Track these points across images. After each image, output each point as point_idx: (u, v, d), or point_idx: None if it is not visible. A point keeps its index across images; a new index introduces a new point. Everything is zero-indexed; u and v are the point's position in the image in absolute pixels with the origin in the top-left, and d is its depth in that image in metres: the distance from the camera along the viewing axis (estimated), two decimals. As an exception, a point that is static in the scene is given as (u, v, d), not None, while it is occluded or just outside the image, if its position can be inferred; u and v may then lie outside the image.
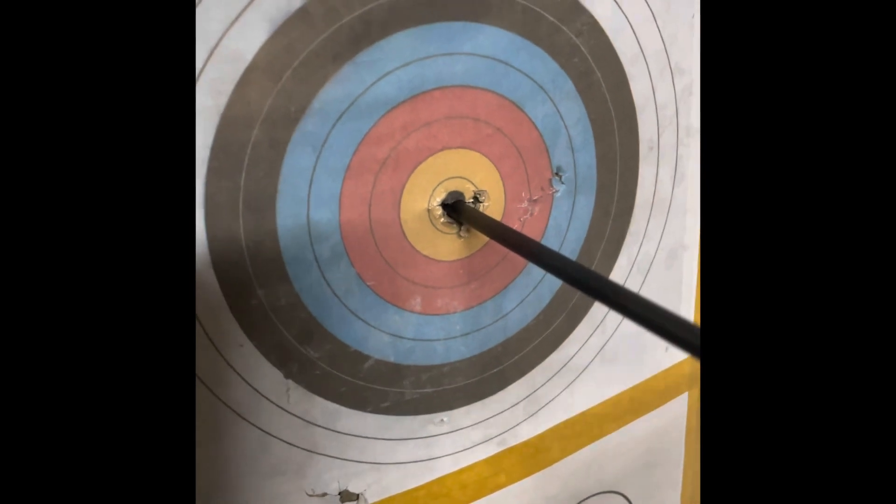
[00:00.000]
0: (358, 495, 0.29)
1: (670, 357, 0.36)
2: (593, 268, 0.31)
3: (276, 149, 0.23)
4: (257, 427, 0.26)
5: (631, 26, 0.28)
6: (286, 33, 0.22)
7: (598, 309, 0.32)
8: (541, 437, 0.33)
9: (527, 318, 0.30)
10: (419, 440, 0.29)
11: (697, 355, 0.17)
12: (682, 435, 0.39)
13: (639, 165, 0.30)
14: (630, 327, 0.33)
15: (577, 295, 0.31)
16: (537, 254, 0.23)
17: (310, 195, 0.24)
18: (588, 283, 0.21)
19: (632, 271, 0.32)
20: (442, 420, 0.30)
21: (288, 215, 0.24)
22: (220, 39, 0.21)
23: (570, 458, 0.34)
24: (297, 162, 0.23)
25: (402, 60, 0.24)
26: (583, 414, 0.34)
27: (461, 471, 0.31)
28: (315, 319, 0.25)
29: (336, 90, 0.23)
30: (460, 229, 0.27)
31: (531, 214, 0.28)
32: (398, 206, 0.25)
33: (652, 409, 0.36)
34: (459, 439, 0.30)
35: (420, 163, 0.25)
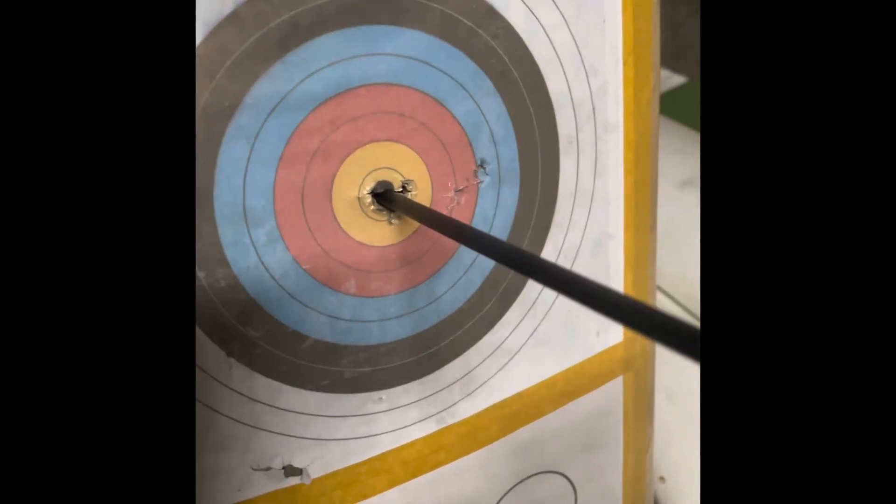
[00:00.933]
0: (301, 470, 0.30)
1: (602, 341, 0.38)
2: (521, 254, 0.33)
3: (211, 141, 0.25)
4: (202, 403, 0.27)
5: (544, 30, 0.30)
6: (219, 35, 0.24)
7: (529, 293, 0.34)
8: (478, 416, 0.35)
9: (459, 301, 0.32)
10: (359, 417, 0.31)
11: (631, 327, 0.18)
12: (619, 418, 0.41)
13: (559, 158, 0.33)
14: (561, 311, 0.36)
15: (508, 279, 0.33)
16: (466, 234, 0.25)
17: (245, 184, 0.26)
18: (516, 259, 0.22)
19: (559, 259, 0.35)
20: (381, 398, 0.31)
21: (225, 203, 0.26)
22: (158, 41, 0.23)
23: (509, 437, 0.36)
24: (231, 153, 0.25)
25: (329, 60, 0.26)
26: (519, 395, 0.36)
27: (401, 448, 0.33)
28: (254, 301, 0.27)
29: (267, 87, 0.25)
30: (391, 217, 0.29)
31: (458, 203, 0.31)
32: (330, 194, 0.28)
33: (588, 392, 0.38)
34: (398, 417, 0.32)
35: (349, 154, 0.27)
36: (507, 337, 0.34)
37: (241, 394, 0.28)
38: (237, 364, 0.28)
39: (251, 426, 0.29)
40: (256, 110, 0.25)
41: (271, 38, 0.25)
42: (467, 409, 0.34)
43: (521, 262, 0.22)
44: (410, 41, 0.27)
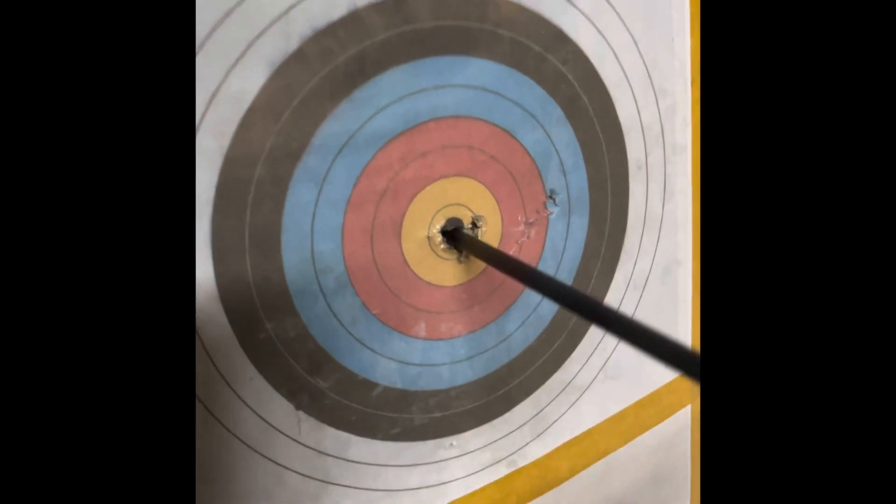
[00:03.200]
0: (372, 524, 0.29)
1: (671, 370, 0.36)
2: (591, 286, 0.32)
3: (278, 185, 0.23)
4: (271, 460, 0.26)
5: (614, 52, 0.29)
6: (284, 74, 0.23)
7: (597, 328, 0.33)
8: (549, 457, 0.33)
9: (529, 339, 0.30)
10: (430, 465, 0.30)
11: (692, 377, 0.18)
12: (687, 447, 0.39)
13: (629, 184, 0.31)
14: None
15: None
16: (532, 278, 0.24)
17: (313, 229, 0.24)
18: (581, 306, 0.21)
19: (629, 287, 0.33)
20: (451, 444, 0.30)
21: (293, 249, 0.24)
22: (222, 82, 0.22)
23: (578, 476, 0.34)
24: (299, 197, 0.24)
25: (396, 95, 0.25)
26: (589, 431, 0.34)
27: (472, 494, 0.31)
28: (323, 350, 0.26)
29: (334, 126, 0.24)
30: (460, 255, 0.28)
31: (528, 237, 0.29)
32: (399, 234, 0.26)
33: (657, 423, 0.37)
34: (469, 462, 0.31)
35: (418, 192, 0.26)
36: (578, 373, 0.33)
37: (311, 447, 0.27)
38: (306, 417, 0.26)
39: (321, 480, 0.27)
40: (324, 151, 0.24)
41: (337, 75, 0.24)
42: (538, 451, 0.33)
43: (586, 309, 0.21)
44: (479, 71, 0.26)
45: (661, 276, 0.34)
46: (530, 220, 0.29)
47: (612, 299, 0.32)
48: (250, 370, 0.25)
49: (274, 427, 0.26)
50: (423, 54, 0.25)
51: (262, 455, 0.26)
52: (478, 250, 0.27)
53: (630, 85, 0.30)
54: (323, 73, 0.23)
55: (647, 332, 0.19)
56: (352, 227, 0.25)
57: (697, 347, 0.36)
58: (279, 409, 0.26)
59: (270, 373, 0.25)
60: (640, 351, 0.20)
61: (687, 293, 0.35)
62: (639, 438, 0.36)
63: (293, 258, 0.24)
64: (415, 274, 0.27)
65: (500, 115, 0.27)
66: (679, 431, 0.38)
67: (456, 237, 0.27)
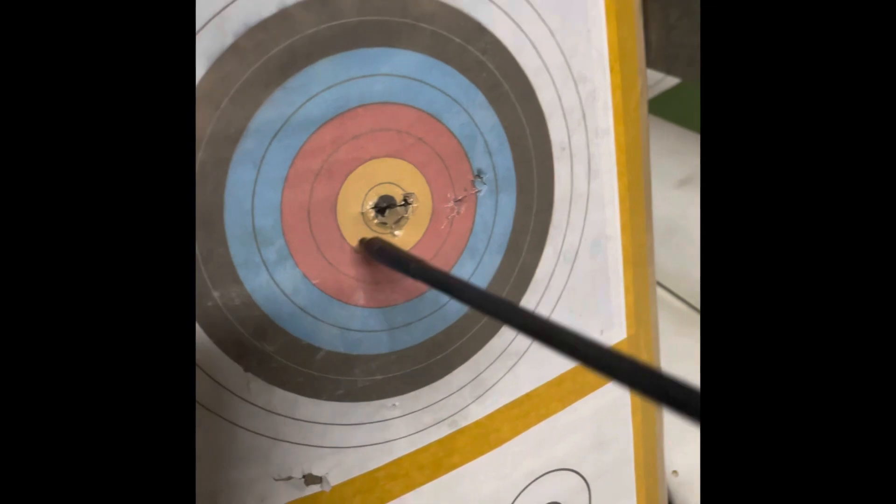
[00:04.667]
0: (321, 478, 0.32)
1: (606, 338, 0.39)
2: (521, 258, 0.34)
3: (219, 166, 0.26)
4: (223, 418, 0.29)
5: (531, 43, 0.31)
6: (221, 67, 0.25)
7: (531, 298, 0.35)
8: (490, 418, 0.36)
9: (464, 308, 0.33)
10: (375, 424, 0.32)
11: (606, 376, 0.18)
12: (628, 414, 0.42)
13: (554, 164, 0.34)
14: (563, 312, 0.37)
15: (510, 285, 0.34)
16: (445, 286, 0.25)
17: (253, 206, 0.27)
18: (497, 311, 0.23)
19: (559, 261, 0.36)
20: (394, 405, 0.33)
21: (235, 224, 0.27)
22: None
23: (520, 437, 0.37)
24: (239, 177, 0.27)
25: (327, 83, 0.27)
26: (528, 395, 0.37)
27: (417, 452, 0.34)
28: (268, 317, 0.29)
29: (269, 112, 0.27)
30: (393, 229, 0.30)
31: (458, 213, 0.32)
32: (335, 211, 0.29)
33: (595, 389, 0.39)
34: (412, 422, 0.33)
35: (351, 172, 0.29)
36: (513, 339, 0.35)
37: (260, 407, 0.29)
38: (254, 378, 0.29)
39: (271, 438, 0.30)
40: (261, 135, 0.27)
41: (271, 66, 0.26)
42: (478, 412, 0.35)
43: (502, 312, 0.22)
44: (404, 61, 0.29)
45: (591, 249, 0.36)
46: (459, 198, 0.32)
47: (543, 271, 0.35)
48: (201, 335, 0.27)
49: (224, 387, 0.28)
50: (350, 46, 0.28)
51: (215, 413, 0.28)
52: (395, 261, 0.28)
53: (549, 73, 0.32)
54: (257, 64, 0.26)
55: (564, 332, 0.19)
56: (290, 203, 0.28)
57: (626, 326, 0.39)
58: (228, 370, 0.28)
59: (218, 337, 0.28)
60: (560, 353, 0.20)
61: (618, 266, 0.38)
62: (578, 403, 0.39)
63: (236, 233, 0.27)
64: (351, 247, 0.30)
65: (425, 101, 0.30)
66: (618, 398, 0.41)
67: (379, 249, 0.29)
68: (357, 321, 0.31)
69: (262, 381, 0.29)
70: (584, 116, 0.34)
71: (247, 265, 0.28)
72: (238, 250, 0.27)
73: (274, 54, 0.26)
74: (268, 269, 0.28)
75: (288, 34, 0.26)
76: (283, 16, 0.26)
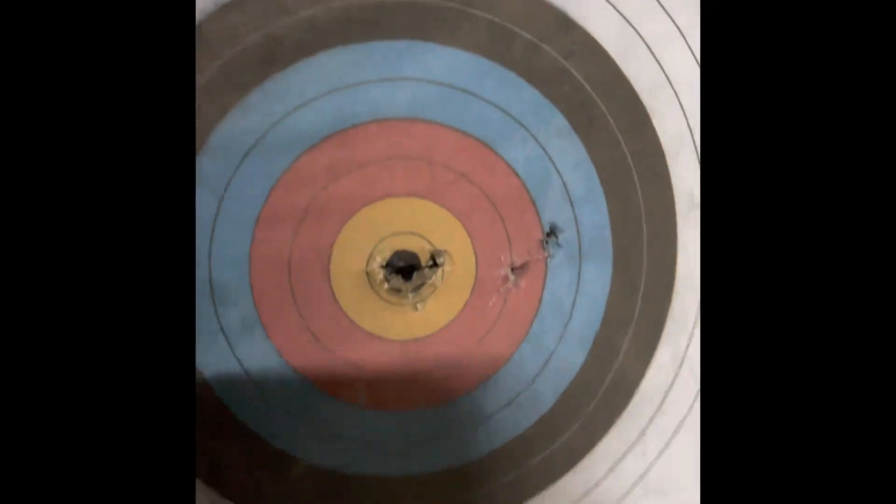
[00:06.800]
0: None
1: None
2: (618, 362, 0.23)
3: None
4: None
5: (646, 43, 0.21)
6: (176, 57, 0.18)
7: (632, 421, 0.24)
8: None
9: (520, 426, 0.23)
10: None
11: None
12: None
13: (677, 227, 0.23)
14: (682, 446, 0.24)
15: (600, 395, 0.23)
16: None
17: (211, 251, 0.20)
18: None
19: (681, 370, 0.24)
20: (406, 554, 0.23)
21: (184, 273, 0.19)
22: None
23: None
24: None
25: (326, 86, 0.20)
26: (623, 566, 0.25)
27: None
28: (223, 404, 0.21)
29: (240, 122, 0.19)
30: (415, 299, 0.21)
31: (515, 286, 0.22)
32: (327, 267, 0.20)
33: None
34: (434, 583, 0.23)
35: (354, 213, 0.20)
36: (602, 479, 0.24)
37: (212, 533, 0.21)
38: (206, 489, 0.21)
39: (222, 576, 0.21)
40: (226, 154, 0.19)
41: (247, 59, 0.19)
42: (540, 581, 0.24)
43: None
44: (444, 61, 0.20)
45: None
46: (518, 264, 0.22)
47: (654, 384, 0.24)
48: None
49: None
50: (366, 37, 0.20)
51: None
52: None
53: (674, 90, 0.22)
54: (226, 56, 0.19)
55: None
56: (262, 253, 0.20)
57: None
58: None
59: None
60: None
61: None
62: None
63: (185, 285, 0.19)
64: (350, 319, 0.21)
65: (473, 121, 0.21)
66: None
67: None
68: (354, 428, 0.21)
69: (216, 496, 0.21)
70: (729, 158, 0.23)
71: (199, 333, 0.20)
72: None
73: (251, 44, 0.19)
74: (227, 340, 0.20)
75: (272, 16, 0.19)
76: (265, -11, 0.19)
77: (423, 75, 0.20)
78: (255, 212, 0.20)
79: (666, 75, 0.22)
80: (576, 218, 0.22)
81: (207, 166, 0.19)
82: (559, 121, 0.21)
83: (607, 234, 0.22)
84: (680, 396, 0.24)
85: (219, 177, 0.19)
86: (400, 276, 0.21)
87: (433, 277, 0.21)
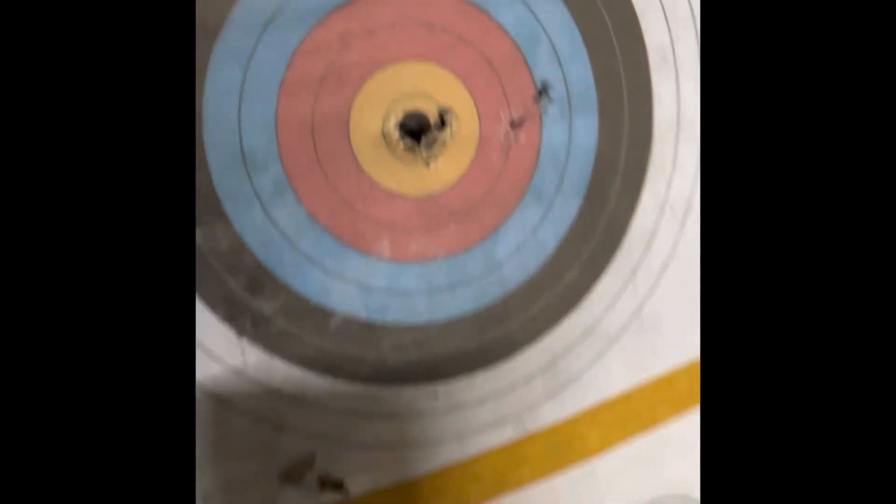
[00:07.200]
0: (341, 483, 0.25)
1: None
2: (611, 207, 0.26)
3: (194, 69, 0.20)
4: (213, 394, 0.23)
5: None
6: (193, -64, 0.20)
7: (625, 260, 0.27)
8: (572, 423, 0.27)
9: (528, 270, 0.25)
10: (411, 418, 0.25)
11: None
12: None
13: (651, 80, 0.25)
14: (673, 286, 0.27)
15: (595, 239, 0.26)
16: None
17: (240, 119, 0.21)
18: None
19: (664, 215, 0.27)
20: (436, 393, 0.25)
21: (217, 143, 0.21)
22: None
23: (615, 450, 0.28)
24: (221, 82, 0.21)
25: (332, -39, 0.21)
26: (625, 395, 0.28)
27: (471, 461, 0.26)
28: (263, 266, 0.22)
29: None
30: (428, 156, 0.23)
31: (516, 140, 0.24)
32: (347, 129, 0.22)
33: (721, 393, 0.30)
34: (463, 419, 0.26)
35: (367, 78, 0.22)
36: (601, 317, 0.27)
37: (259, 382, 0.23)
38: (250, 347, 0.23)
39: (274, 424, 0.24)
40: (247, 27, 0.21)
41: (259, -63, 0.21)
42: (554, 413, 0.27)
43: None
44: (436, -67, 0.22)
45: (709, 200, 0.27)
46: (516, 119, 0.24)
47: (641, 227, 0.26)
48: (178, 285, 0.22)
49: (212, 355, 0.22)
50: (363, -86, 0.21)
51: (202, 388, 0.23)
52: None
53: (641, -48, 0.24)
54: (240, -65, 0.20)
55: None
56: (288, 118, 0.22)
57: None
58: (217, 333, 0.22)
59: (203, 289, 0.22)
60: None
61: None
62: (695, 410, 0.29)
63: (218, 154, 0.21)
64: (371, 178, 0.23)
65: (466, -13, 0.23)
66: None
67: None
68: (383, 278, 0.24)
69: (261, 350, 0.23)
70: (692, 14, 0.25)
71: (234, 197, 0.22)
72: (223, 177, 0.21)
73: (261, -79, 0.21)
74: (261, 204, 0.22)
75: None
76: None
77: (418, -54, 0.22)
78: (278, 79, 0.21)
79: (634, -61, 0.24)
80: (564, 75, 0.24)
81: (232, 40, 0.21)
82: (543, -16, 0.23)
83: (592, 89, 0.25)
84: (664, 236, 0.27)
85: (242, 49, 0.21)
86: (413, 138, 0.23)
87: (443, 135, 0.23)
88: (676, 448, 0.29)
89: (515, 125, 0.24)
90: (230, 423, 0.23)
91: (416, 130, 0.23)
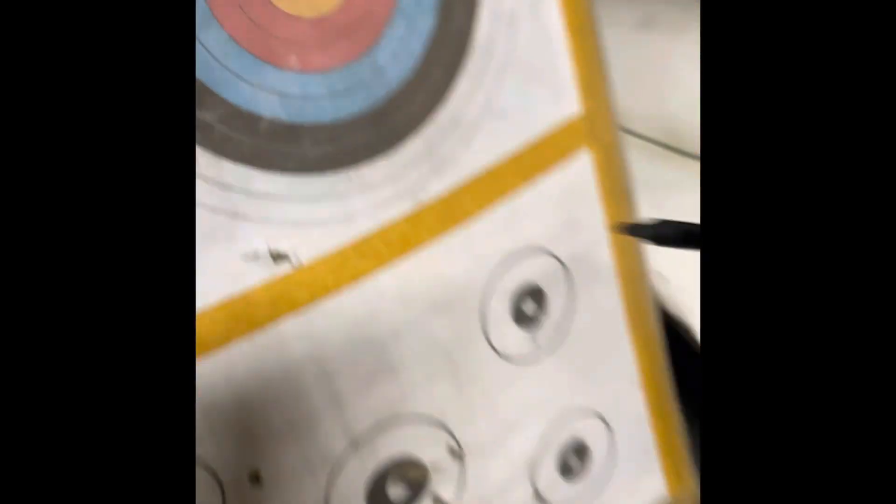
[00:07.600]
0: (287, 255, 0.32)
1: (559, 110, 0.39)
2: (455, 21, 0.34)
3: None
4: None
5: None
6: None
7: (475, 65, 0.35)
8: (453, 195, 0.36)
9: (405, 72, 0.33)
10: (334, 198, 0.33)
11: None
12: (595, 193, 0.42)
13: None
14: (512, 84, 0.36)
15: (451, 44, 0.34)
16: None
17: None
18: None
19: (498, 24, 0.35)
20: (349, 177, 0.33)
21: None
22: None
23: (486, 214, 0.38)
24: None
25: None
26: (488, 171, 0.37)
27: (384, 229, 0.34)
28: (202, 83, 0.28)
29: None
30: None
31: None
32: (252, -33, 0.28)
33: (555, 163, 0.40)
34: (372, 196, 0.34)
35: (260, -77, 0.28)
36: (463, 109, 0.35)
37: (213, 181, 0.30)
38: (201, 151, 0.29)
39: (230, 214, 0.30)
40: None
41: None
42: (439, 186, 0.36)
43: None
44: None
45: (530, 10, 0.36)
46: (379, -49, 0.31)
47: (483, 36, 0.35)
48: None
49: (172, 160, 0.28)
50: None
51: (167, 189, 0.29)
52: None
53: None
54: None
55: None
56: (201, -42, 0.27)
57: (581, 99, 0.39)
58: (172, 142, 0.28)
59: (156, 106, 0.28)
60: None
61: (560, 32, 0.38)
62: (541, 181, 0.39)
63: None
64: (274, 5, 0.29)
65: None
66: (581, 175, 0.41)
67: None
68: (295, 87, 0.31)
69: (210, 154, 0.29)
70: None
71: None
72: (157, 11, 0.27)
73: None
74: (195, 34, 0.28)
75: None
76: None
77: None
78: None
79: None
80: (408, -86, 0.32)
81: None
82: None
83: (431, -76, 0.32)
84: (500, 45, 0.36)
85: None
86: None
87: (325, -34, 0.30)
88: (531, 210, 0.39)
89: (378, -44, 0.31)
90: (198, 216, 0.30)
91: (304, -35, 0.29)
